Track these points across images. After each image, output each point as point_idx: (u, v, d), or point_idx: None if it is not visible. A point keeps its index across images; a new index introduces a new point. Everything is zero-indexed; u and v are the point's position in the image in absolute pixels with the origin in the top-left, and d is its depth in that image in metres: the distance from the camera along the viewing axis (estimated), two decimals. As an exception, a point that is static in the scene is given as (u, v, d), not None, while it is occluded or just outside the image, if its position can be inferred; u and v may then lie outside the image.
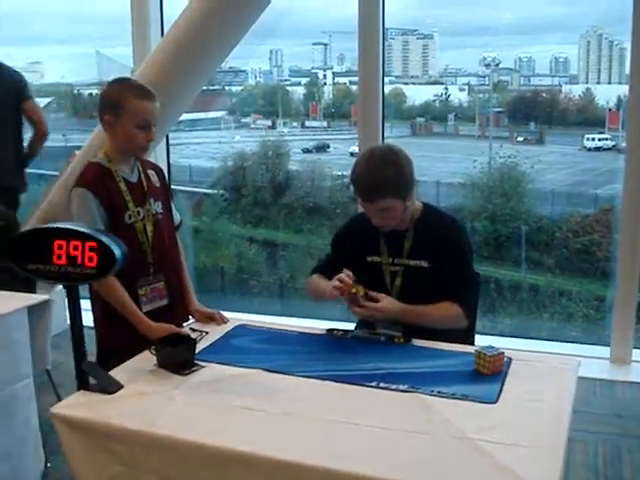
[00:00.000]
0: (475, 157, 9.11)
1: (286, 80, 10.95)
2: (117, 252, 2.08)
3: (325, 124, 10.69)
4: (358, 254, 2.71)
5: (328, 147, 10.49)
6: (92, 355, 2.62)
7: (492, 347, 2.27)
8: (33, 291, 3.45)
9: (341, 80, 11.05)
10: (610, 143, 9.16)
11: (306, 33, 10.21)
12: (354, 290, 2.49)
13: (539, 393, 2.11)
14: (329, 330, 2.61)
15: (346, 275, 2.52)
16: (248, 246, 9.82)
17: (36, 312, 3.05)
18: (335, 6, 9.65)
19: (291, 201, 9.84)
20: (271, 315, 5.30)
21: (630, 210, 4.28)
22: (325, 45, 10.89)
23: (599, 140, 9.25)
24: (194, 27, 3.74)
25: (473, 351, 2.30)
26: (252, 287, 9.33)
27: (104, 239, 2.09)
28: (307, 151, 10.40)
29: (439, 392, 2.10)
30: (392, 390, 2.14)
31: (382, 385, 2.16)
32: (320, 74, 10.99)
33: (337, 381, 2.20)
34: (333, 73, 10.95)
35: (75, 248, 2.09)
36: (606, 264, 8.25)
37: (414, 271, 2.62)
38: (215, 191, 9.69)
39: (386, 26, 11.83)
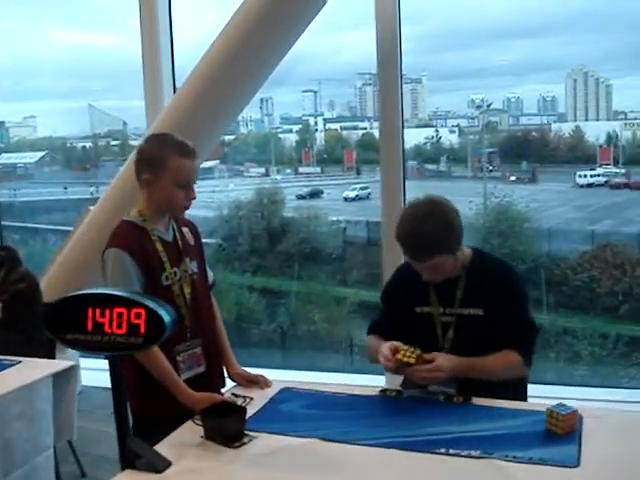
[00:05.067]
0: (470, 198, 9.10)
1: (277, 128, 10.98)
2: (166, 318, 1.93)
3: (318, 170, 10.69)
4: (407, 306, 2.58)
5: (322, 193, 10.47)
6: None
7: (563, 405, 2.14)
8: (53, 355, 3.29)
9: (332, 126, 11.10)
10: (602, 179, 9.20)
11: (295, 81, 10.25)
12: (403, 358, 2.34)
13: (621, 454, 1.97)
14: (382, 391, 2.47)
15: (388, 349, 2.38)
16: (247, 295, 9.70)
17: (61, 378, 2.88)
18: (323, 54, 9.73)
19: (288, 248, 9.78)
20: (273, 368, 5.09)
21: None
22: (315, 92, 10.95)
23: (591, 177, 9.30)
24: (213, 77, 3.67)
25: (543, 410, 2.16)
26: (252, 336, 9.19)
27: (151, 304, 1.94)
28: (301, 197, 10.39)
29: (515, 457, 1.96)
30: (464, 457, 1.99)
31: (452, 452, 2.01)
32: (311, 121, 11.02)
33: (403, 449, 2.05)
34: (324, 119, 10.98)
35: (119, 315, 1.93)
36: (606, 300, 8.22)
37: (468, 320, 2.50)
38: (213, 240, 9.59)
39: (374, 72, 11.87)
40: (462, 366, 2.39)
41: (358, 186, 10.39)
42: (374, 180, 10.69)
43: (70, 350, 4.02)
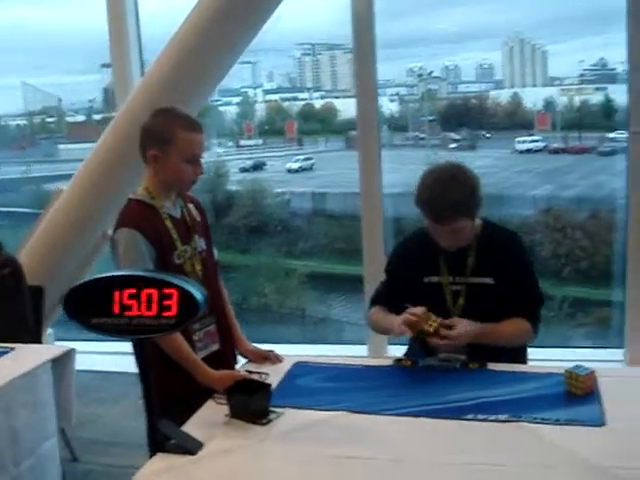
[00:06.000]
0: (411, 166, 9.16)
1: (217, 100, 10.79)
2: (198, 296, 1.91)
3: (260, 142, 10.58)
4: (415, 276, 2.61)
5: (264, 165, 10.39)
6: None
7: (580, 366, 2.21)
8: (39, 340, 3.21)
9: (272, 97, 10.98)
10: (541, 145, 9.38)
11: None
12: (428, 326, 2.37)
13: (641, 411, 2.06)
14: (396, 360, 2.49)
15: (413, 314, 2.40)
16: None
17: (57, 364, 2.80)
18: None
19: (234, 221, 9.70)
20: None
21: (637, 209, 4.30)
22: (253, 63, 10.79)
23: (530, 142, 9.46)
24: (191, 47, 3.60)
25: (559, 372, 2.23)
26: (204, 312, 9.11)
27: (181, 283, 1.91)
28: (244, 170, 10.28)
29: (543, 419, 2.02)
30: (492, 421, 2.04)
31: (480, 417, 2.06)
32: (250, 92, 10.88)
33: (431, 417, 2.09)
34: (263, 91, 10.85)
35: (149, 297, 1.90)
36: (551, 262, 8.44)
37: (478, 289, 2.56)
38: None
39: (313, 42, 11.74)
40: (481, 331, 2.44)
41: (301, 157, 10.35)
42: (317, 151, 10.69)
43: (47, 334, 3.93)
